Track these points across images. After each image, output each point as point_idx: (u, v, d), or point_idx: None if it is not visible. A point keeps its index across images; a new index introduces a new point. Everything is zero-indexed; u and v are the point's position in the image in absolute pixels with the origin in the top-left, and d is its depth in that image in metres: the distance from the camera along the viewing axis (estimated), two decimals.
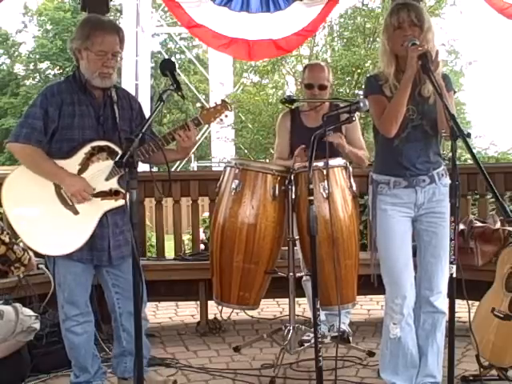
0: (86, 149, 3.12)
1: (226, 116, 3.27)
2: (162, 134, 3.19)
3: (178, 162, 20.66)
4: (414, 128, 3.04)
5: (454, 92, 3.17)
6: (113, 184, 3.14)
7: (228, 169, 3.72)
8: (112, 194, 3.14)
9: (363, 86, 3.21)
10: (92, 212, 3.13)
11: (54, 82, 3.27)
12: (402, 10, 2.97)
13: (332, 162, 3.55)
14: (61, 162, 3.12)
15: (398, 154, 3.05)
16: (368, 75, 3.39)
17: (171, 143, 3.17)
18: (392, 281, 3.10)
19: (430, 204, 3.09)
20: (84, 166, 3.13)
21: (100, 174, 3.13)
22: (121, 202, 3.10)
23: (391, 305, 3.11)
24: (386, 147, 3.08)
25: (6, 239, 3.49)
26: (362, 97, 3.20)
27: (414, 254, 3.18)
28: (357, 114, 3.22)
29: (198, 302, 4.80)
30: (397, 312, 3.09)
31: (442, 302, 3.10)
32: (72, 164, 3.12)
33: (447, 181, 3.10)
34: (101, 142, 3.14)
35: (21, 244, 3.74)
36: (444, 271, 3.06)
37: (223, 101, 3.33)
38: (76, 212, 3.13)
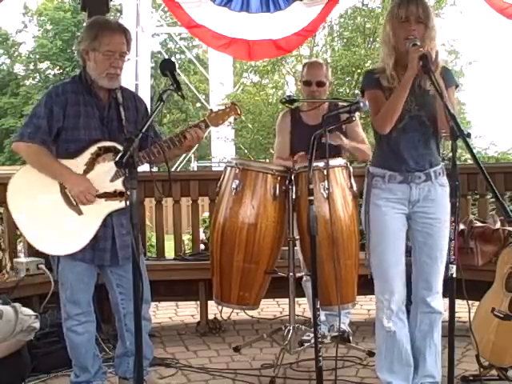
0: (93, 149, 3.13)
1: (235, 119, 3.28)
2: (174, 134, 3.19)
3: (178, 162, 20.70)
4: (411, 118, 3.01)
5: (457, 86, 3.13)
6: (117, 185, 3.14)
7: (228, 169, 3.72)
8: (116, 195, 3.14)
9: (361, 81, 3.19)
10: (96, 213, 3.14)
11: (59, 83, 3.29)
12: (411, 2, 2.92)
13: (332, 161, 3.55)
14: (67, 162, 3.13)
15: (396, 146, 3.03)
16: (366, 70, 3.39)
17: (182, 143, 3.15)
18: (380, 276, 3.09)
19: (425, 203, 3.06)
20: (90, 166, 3.14)
21: (105, 174, 3.13)
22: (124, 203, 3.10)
23: (381, 299, 3.10)
24: (384, 139, 3.05)
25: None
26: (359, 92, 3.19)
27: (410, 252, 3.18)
28: (357, 113, 3.21)
29: (198, 302, 4.80)
30: (386, 307, 3.08)
31: (438, 302, 3.10)
32: (78, 164, 3.13)
33: (444, 180, 3.09)
34: (107, 142, 3.15)
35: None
36: (440, 271, 3.06)
37: (233, 103, 3.32)
38: (80, 212, 3.13)
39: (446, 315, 2.86)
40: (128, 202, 2.53)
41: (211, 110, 3.32)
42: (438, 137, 3.09)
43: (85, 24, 3.49)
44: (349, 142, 3.98)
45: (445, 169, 3.11)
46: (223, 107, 3.28)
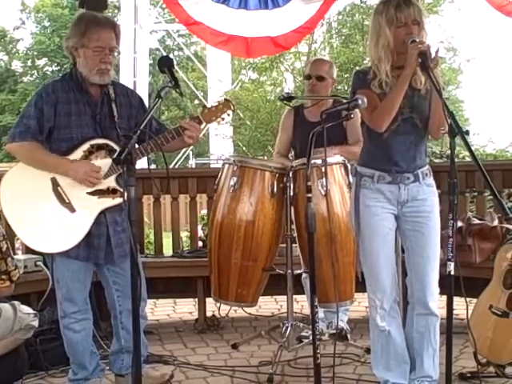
0: (85, 146, 3.12)
1: (229, 115, 3.24)
2: (174, 127, 3.17)
3: (176, 159, 20.72)
4: (403, 121, 3.00)
5: None
6: (110, 182, 3.13)
7: (226, 166, 3.72)
8: (109, 192, 3.13)
9: (351, 81, 3.17)
10: (89, 210, 3.13)
11: (49, 81, 3.27)
12: (408, 6, 2.91)
13: (330, 159, 3.55)
14: None
15: (387, 148, 3.01)
16: (355, 70, 3.34)
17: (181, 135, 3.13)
18: (372, 276, 3.08)
19: (414, 203, 3.05)
20: None
21: None
22: (118, 201, 3.10)
23: (373, 299, 3.10)
24: (375, 140, 3.04)
25: (4, 248, 3.45)
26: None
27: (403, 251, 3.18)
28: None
29: (196, 299, 4.80)
30: (379, 307, 3.07)
31: (434, 303, 3.07)
32: None
33: (431, 181, 3.09)
34: (100, 139, 3.14)
35: (16, 259, 3.72)
36: (434, 270, 3.04)
37: (226, 99, 3.30)
38: (73, 210, 3.12)
39: (443, 312, 2.85)
40: (126, 200, 2.52)
41: (204, 106, 3.31)
42: (426, 138, 3.09)
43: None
44: (336, 150, 3.91)
45: (431, 169, 3.11)
46: (216, 103, 3.25)
